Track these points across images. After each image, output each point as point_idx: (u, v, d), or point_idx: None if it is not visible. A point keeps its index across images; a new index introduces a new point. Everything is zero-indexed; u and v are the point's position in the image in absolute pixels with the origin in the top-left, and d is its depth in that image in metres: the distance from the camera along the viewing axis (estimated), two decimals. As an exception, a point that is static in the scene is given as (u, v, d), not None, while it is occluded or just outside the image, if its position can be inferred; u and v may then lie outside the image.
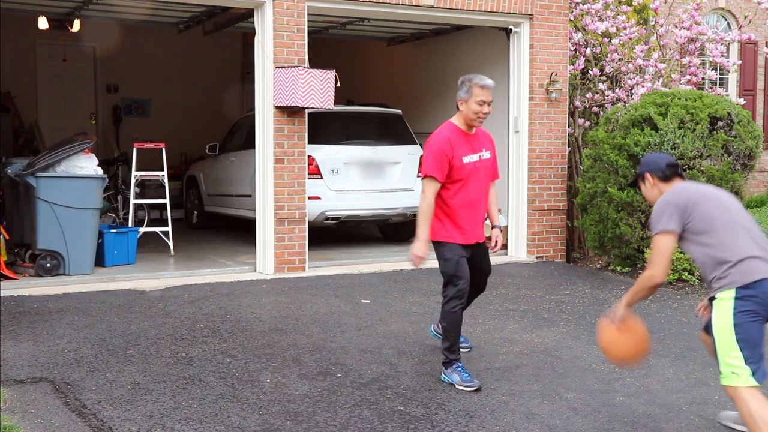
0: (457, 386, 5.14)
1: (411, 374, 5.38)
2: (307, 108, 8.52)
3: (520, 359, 5.79)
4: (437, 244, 5.29)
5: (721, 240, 4.02)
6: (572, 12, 10.47)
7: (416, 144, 10.78)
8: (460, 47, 11.65)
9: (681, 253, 8.29)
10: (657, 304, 7.59)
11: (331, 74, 8.53)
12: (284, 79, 8.35)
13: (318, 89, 8.37)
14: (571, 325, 6.81)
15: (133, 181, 10.09)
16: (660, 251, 4.13)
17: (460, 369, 5.21)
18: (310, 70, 8.37)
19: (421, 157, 10.51)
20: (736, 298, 3.91)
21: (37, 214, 8.15)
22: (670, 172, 4.41)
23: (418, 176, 10.67)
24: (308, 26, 8.76)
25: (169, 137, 12.52)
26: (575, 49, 10.74)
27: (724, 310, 3.94)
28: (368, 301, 7.42)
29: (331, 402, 4.82)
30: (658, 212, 4.16)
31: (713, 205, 4.12)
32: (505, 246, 10.28)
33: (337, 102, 8.92)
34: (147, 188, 12.38)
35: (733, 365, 3.88)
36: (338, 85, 8.65)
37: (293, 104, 8.31)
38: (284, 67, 8.40)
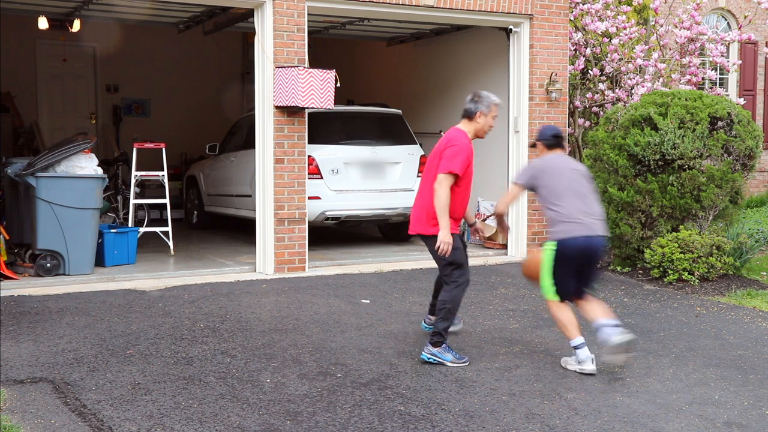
0: (449, 364, 5.53)
1: (411, 374, 5.38)
2: (307, 108, 8.52)
3: (520, 359, 5.79)
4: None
5: (558, 204, 5.48)
6: (572, 12, 10.47)
7: (416, 144, 10.77)
8: (460, 47, 11.65)
9: (682, 253, 8.30)
10: (657, 304, 7.59)
11: (331, 74, 8.53)
12: (284, 79, 8.35)
13: (318, 89, 8.36)
14: (571, 325, 6.80)
15: (133, 181, 10.08)
16: (509, 192, 5.90)
17: (449, 348, 5.63)
18: (310, 70, 8.36)
19: (422, 156, 10.62)
20: (555, 250, 5.48)
21: (37, 214, 8.15)
22: (553, 142, 5.75)
23: (418, 176, 10.67)
24: (308, 26, 8.76)
25: (169, 137, 12.52)
26: (575, 49, 10.74)
27: (547, 254, 5.54)
28: (368, 301, 7.41)
29: (331, 402, 4.81)
30: (522, 168, 5.75)
31: (559, 177, 5.56)
32: (504, 246, 10.28)
33: (337, 102, 8.92)
34: (147, 188, 12.38)
35: (547, 288, 5.58)
36: (338, 85, 8.65)
37: (293, 104, 8.30)
38: (284, 67, 8.40)
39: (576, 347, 5.51)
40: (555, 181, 5.55)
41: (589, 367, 5.46)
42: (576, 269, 5.53)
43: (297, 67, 8.35)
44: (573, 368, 5.55)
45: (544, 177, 5.60)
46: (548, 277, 5.56)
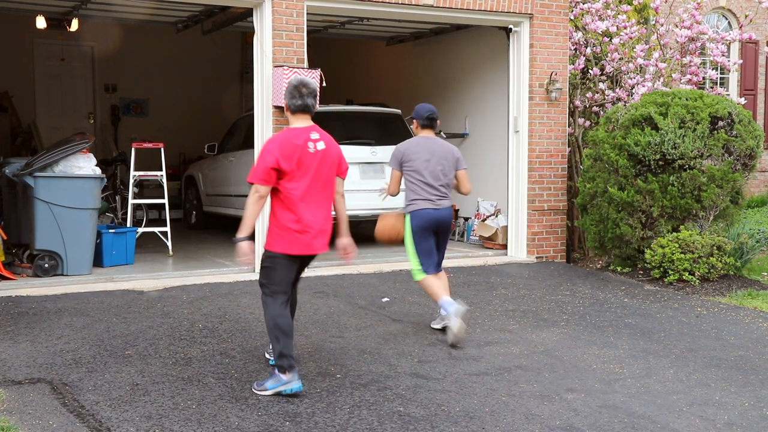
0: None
1: (410, 375, 5.35)
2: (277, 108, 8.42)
3: (520, 359, 5.77)
4: None
5: (416, 182, 6.35)
6: (572, 11, 10.45)
7: (416, 144, 10.74)
8: (460, 47, 11.63)
9: (682, 253, 8.28)
10: (657, 305, 7.57)
11: (316, 73, 8.44)
12: (280, 79, 8.32)
13: None
14: (571, 325, 6.79)
15: (131, 181, 10.06)
16: (391, 177, 6.55)
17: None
18: (294, 69, 8.31)
19: None
20: (410, 222, 6.38)
21: (35, 214, 8.13)
22: (426, 123, 6.50)
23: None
24: (307, 25, 8.74)
25: (168, 137, 12.51)
26: (575, 49, 10.72)
27: (407, 233, 6.41)
28: (387, 299, 7.48)
29: (330, 403, 4.79)
30: (393, 153, 6.52)
31: (418, 158, 6.36)
32: (504, 246, 10.26)
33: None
34: (145, 188, 12.36)
35: (413, 263, 6.42)
36: (324, 84, 8.58)
37: (278, 104, 8.27)
38: (278, 66, 8.36)
39: (443, 305, 6.20)
40: (416, 164, 6.37)
41: (454, 321, 6.02)
42: (431, 240, 6.40)
43: (282, 66, 8.30)
44: (438, 326, 6.41)
45: (407, 159, 6.41)
46: (414, 257, 6.41)
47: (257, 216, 4.97)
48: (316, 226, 5.02)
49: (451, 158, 6.47)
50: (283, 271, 5.03)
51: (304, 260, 5.18)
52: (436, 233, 6.43)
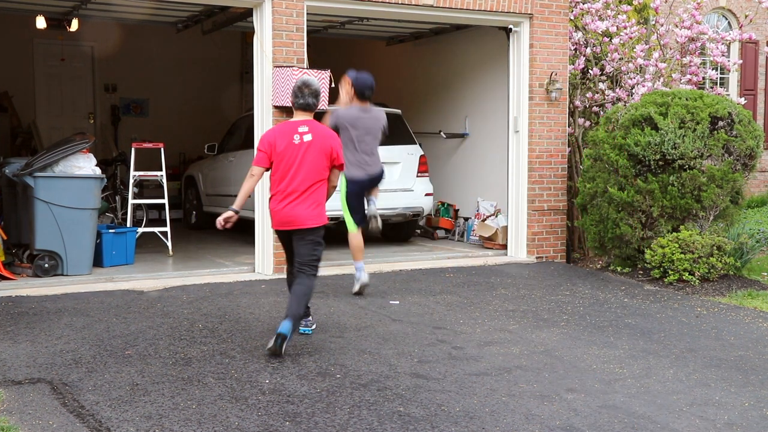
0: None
1: (410, 375, 5.35)
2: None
3: (520, 359, 5.76)
4: None
5: (350, 150, 7.32)
6: (572, 11, 10.45)
7: (416, 144, 10.76)
8: (460, 47, 11.62)
9: (682, 253, 8.27)
10: (657, 305, 7.57)
11: (326, 74, 8.49)
12: (281, 79, 8.32)
13: None
14: (571, 325, 6.79)
15: (131, 181, 10.06)
16: None
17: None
18: (305, 70, 8.33)
19: (422, 156, 10.60)
20: (346, 184, 7.51)
21: (35, 214, 8.13)
22: (367, 95, 7.51)
23: (418, 176, 10.66)
24: (307, 25, 8.74)
25: (168, 137, 12.51)
26: (575, 49, 10.71)
27: (342, 190, 7.49)
28: (397, 302, 7.44)
29: (330, 403, 4.79)
30: (331, 115, 7.45)
31: (356, 126, 7.40)
32: (504, 246, 10.26)
33: (334, 102, 8.90)
34: (145, 188, 12.36)
35: (347, 220, 7.64)
36: (332, 85, 8.62)
37: (287, 104, 8.27)
38: (281, 66, 8.37)
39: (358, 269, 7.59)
40: (348, 132, 7.37)
41: (364, 277, 7.60)
42: (360, 200, 7.56)
43: (292, 67, 8.31)
44: (355, 289, 7.59)
45: (342, 125, 7.38)
46: (347, 210, 7.57)
47: (248, 192, 5.98)
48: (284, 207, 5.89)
49: (376, 128, 7.60)
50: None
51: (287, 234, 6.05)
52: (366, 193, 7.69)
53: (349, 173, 7.42)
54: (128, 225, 9.88)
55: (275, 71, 8.40)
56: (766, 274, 9.04)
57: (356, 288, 7.64)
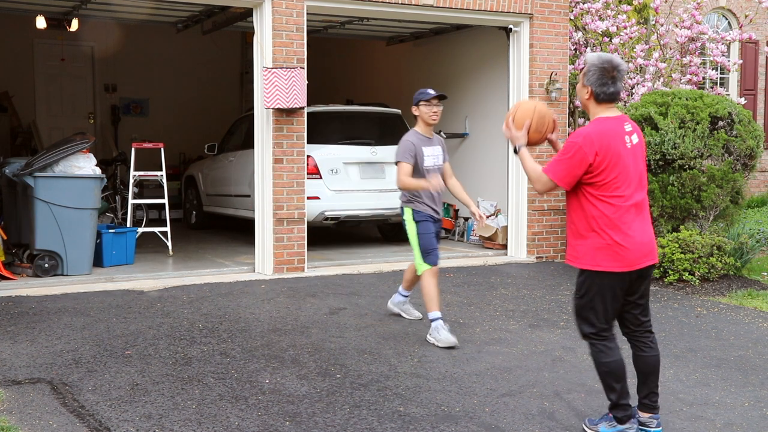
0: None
1: (410, 375, 5.35)
2: (272, 109, 8.40)
3: (520, 359, 5.76)
4: None
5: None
6: (572, 11, 10.45)
7: (416, 144, 10.73)
8: (460, 47, 11.62)
9: (682, 253, 8.27)
10: (657, 305, 7.57)
11: (297, 72, 8.37)
12: (271, 80, 8.30)
13: (283, 89, 8.23)
14: (571, 325, 6.78)
15: (131, 181, 10.06)
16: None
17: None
18: (273, 69, 8.26)
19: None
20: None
21: (35, 214, 8.13)
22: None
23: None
24: (307, 25, 8.74)
25: (168, 137, 12.52)
26: (575, 49, 10.72)
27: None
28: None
29: (330, 403, 4.79)
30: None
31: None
32: (504, 246, 10.26)
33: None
34: (145, 188, 12.36)
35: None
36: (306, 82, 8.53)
37: (282, 106, 8.25)
38: (269, 69, 8.33)
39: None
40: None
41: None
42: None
43: (265, 68, 8.28)
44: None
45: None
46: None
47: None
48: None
49: None
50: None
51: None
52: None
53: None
54: (128, 225, 9.88)
55: (264, 72, 8.29)
56: (766, 274, 9.03)
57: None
